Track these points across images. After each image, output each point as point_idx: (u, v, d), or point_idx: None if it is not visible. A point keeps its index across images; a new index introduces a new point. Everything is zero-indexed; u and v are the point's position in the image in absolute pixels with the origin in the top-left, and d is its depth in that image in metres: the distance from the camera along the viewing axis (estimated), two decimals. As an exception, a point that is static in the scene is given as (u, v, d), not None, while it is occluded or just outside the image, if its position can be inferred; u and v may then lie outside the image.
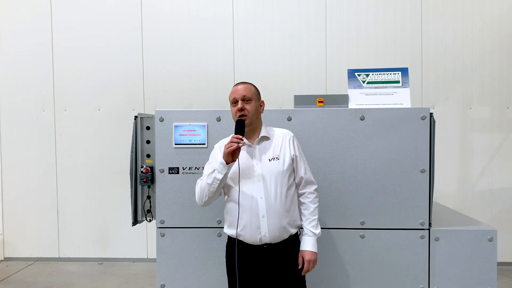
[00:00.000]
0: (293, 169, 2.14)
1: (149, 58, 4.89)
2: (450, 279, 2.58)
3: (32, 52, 4.95)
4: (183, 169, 2.65)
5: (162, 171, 2.66)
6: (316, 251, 2.11)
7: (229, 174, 2.04)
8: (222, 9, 4.83)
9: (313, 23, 4.78)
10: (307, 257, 2.07)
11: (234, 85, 2.15)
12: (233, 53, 4.84)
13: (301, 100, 2.80)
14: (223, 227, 2.61)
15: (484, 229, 2.61)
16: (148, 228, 4.78)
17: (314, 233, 2.11)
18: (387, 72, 2.83)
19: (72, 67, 4.93)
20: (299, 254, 2.11)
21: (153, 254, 4.83)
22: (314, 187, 2.19)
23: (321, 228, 2.53)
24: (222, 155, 1.99)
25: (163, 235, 2.68)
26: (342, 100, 2.79)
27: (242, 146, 1.95)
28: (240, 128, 2.01)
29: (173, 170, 2.66)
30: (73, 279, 4.38)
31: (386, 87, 2.80)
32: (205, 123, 2.64)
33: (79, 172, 4.93)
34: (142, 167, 2.72)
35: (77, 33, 4.92)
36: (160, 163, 2.66)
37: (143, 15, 4.89)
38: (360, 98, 2.79)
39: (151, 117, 2.78)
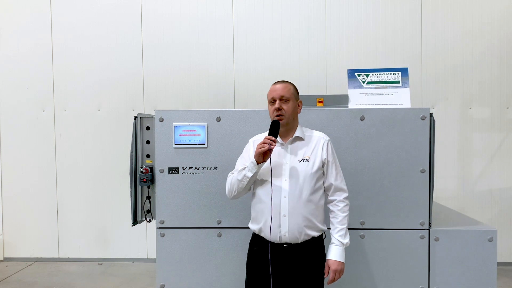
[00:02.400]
0: (322, 173, 2.11)
1: (149, 57, 4.89)
2: (450, 279, 2.58)
3: (32, 52, 4.95)
4: (183, 169, 2.65)
5: (162, 171, 2.65)
6: (343, 261, 2.07)
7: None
8: (221, 9, 4.83)
9: (313, 22, 4.78)
10: (333, 267, 2.04)
11: (274, 83, 2.13)
12: (233, 52, 4.84)
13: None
14: (223, 227, 2.64)
15: (484, 229, 2.61)
16: (148, 228, 4.78)
17: (342, 243, 2.07)
18: (387, 72, 2.83)
19: (72, 67, 4.93)
20: (326, 263, 2.08)
21: (153, 254, 4.83)
22: (345, 195, 2.14)
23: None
24: (254, 153, 2.00)
25: (163, 235, 2.68)
26: (342, 100, 2.79)
27: (273, 148, 1.95)
28: (274, 129, 1.99)
29: (173, 170, 2.66)
30: (73, 279, 4.37)
31: (386, 87, 2.80)
32: (205, 123, 2.64)
33: (79, 172, 4.93)
34: (142, 167, 2.72)
35: (77, 33, 4.92)
36: (160, 163, 2.66)
37: (143, 15, 4.89)
38: (360, 98, 2.79)
39: (151, 117, 2.78)
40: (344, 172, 2.60)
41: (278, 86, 2.09)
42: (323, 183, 2.12)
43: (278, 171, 2.05)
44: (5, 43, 4.98)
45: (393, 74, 2.82)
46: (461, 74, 4.67)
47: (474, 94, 4.66)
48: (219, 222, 2.65)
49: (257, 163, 1.97)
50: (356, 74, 2.85)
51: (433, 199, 2.70)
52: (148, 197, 2.77)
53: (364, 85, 2.82)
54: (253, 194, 2.15)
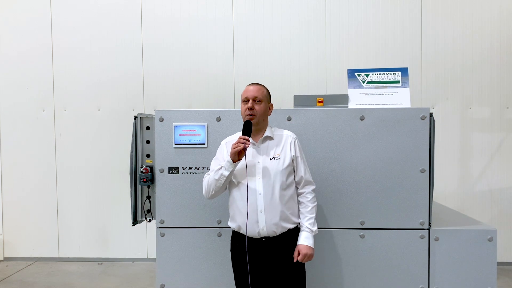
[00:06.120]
0: (293, 168, 2.20)
1: (149, 58, 4.89)
2: (450, 279, 2.58)
3: (32, 52, 4.95)
4: (183, 169, 2.65)
5: (162, 171, 2.66)
6: (313, 247, 2.15)
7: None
8: (222, 10, 4.83)
9: (313, 23, 4.78)
10: (303, 251, 2.12)
11: (248, 85, 2.25)
12: (233, 53, 4.84)
13: (301, 100, 2.80)
14: (223, 227, 2.64)
15: (484, 229, 2.61)
16: (148, 228, 4.78)
17: (312, 230, 2.17)
18: (387, 72, 2.83)
19: (72, 67, 4.93)
20: (296, 249, 2.15)
21: (153, 254, 4.83)
22: (313, 187, 2.26)
23: (322, 228, 2.54)
24: (229, 153, 2.11)
25: (163, 235, 2.68)
26: (342, 100, 2.78)
27: (248, 146, 2.05)
28: (248, 129, 2.10)
29: (173, 170, 2.66)
30: (73, 279, 4.37)
31: (386, 87, 2.80)
32: (205, 123, 2.64)
33: (79, 172, 4.93)
34: (142, 167, 2.72)
35: (77, 33, 4.92)
36: (160, 163, 2.66)
37: (143, 15, 4.89)
38: (360, 98, 2.79)
39: (151, 117, 2.78)
40: (344, 172, 2.62)
41: (252, 87, 2.20)
42: (294, 177, 2.22)
43: (252, 170, 2.15)
44: (5, 43, 4.99)
45: (393, 74, 2.82)
46: (461, 74, 4.67)
47: (474, 94, 4.66)
48: (219, 222, 2.65)
49: (233, 162, 2.07)
50: (356, 74, 2.85)
51: (433, 199, 2.70)
52: (148, 197, 2.77)
53: (364, 85, 2.82)
54: (230, 193, 2.25)
